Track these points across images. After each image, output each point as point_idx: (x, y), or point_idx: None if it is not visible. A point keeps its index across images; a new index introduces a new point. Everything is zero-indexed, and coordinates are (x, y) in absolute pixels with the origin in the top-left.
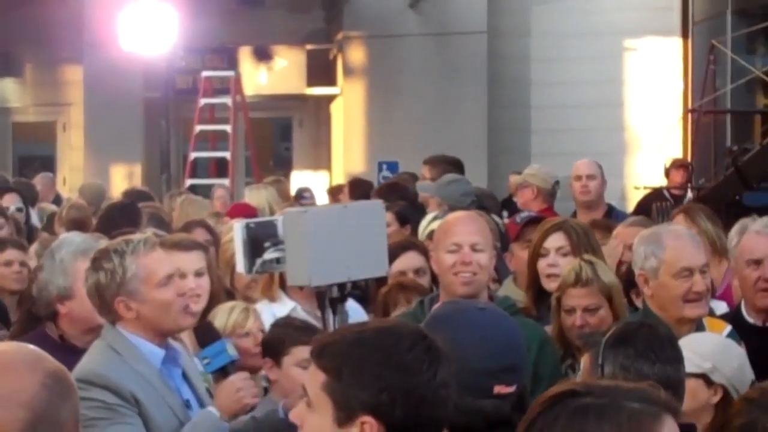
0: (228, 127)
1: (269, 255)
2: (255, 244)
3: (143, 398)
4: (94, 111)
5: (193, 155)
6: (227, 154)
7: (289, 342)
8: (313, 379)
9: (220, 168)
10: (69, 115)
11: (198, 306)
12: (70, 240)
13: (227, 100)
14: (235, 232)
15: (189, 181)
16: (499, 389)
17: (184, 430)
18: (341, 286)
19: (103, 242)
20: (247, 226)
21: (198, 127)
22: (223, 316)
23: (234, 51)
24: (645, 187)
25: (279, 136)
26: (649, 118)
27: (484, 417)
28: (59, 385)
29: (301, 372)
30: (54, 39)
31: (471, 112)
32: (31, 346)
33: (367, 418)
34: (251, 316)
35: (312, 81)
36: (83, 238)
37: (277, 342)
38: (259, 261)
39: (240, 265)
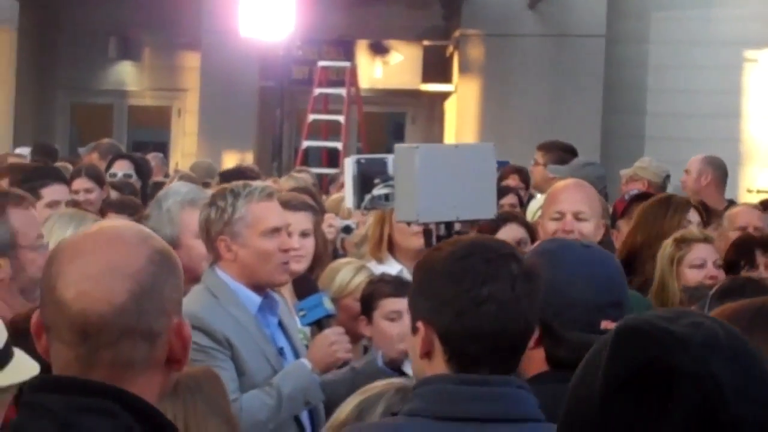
0: (341, 118)
1: (378, 191)
2: (365, 180)
3: (237, 343)
4: (210, 97)
5: (305, 144)
6: (339, 145)
7: (378, 295)
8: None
9: (332, 158)
10: (184, 100)
11: (299, 266)
12: (176, 190)
13: (342, 91)
14: (346, 167)
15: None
16: (605, 324)
17: (276, 378)
18: (448, 225)
19: (212, 190)
20: (358, 162)
21: (311, 117)
22: (332, 274)
23: (351, 44)
24: (758, 191)
25: (391, 130)
26: (766, 130)
27: None
28: (165, 262)
29: (390, 324)
30: (173, 24)
31: (585, 116)
32: (141, 225)
33: (420, 325)
34: (359, 275)
35: (427, 77)
36: (190, 188)
37: (368, 297)
38: (368, 197)
39: (349, 201)
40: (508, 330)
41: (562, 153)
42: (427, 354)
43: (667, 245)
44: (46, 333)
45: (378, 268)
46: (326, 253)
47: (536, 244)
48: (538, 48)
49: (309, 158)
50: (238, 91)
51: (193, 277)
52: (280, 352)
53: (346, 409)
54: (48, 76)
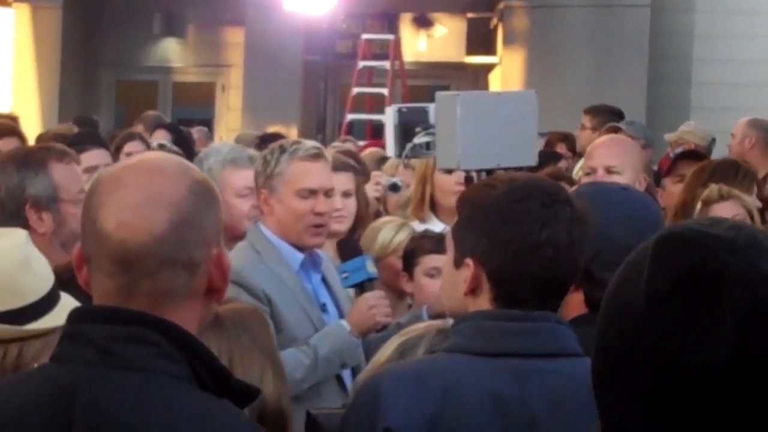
0: (385, 91)
1: (419, 139)
2: (406, 129)
3: (277, 299)
4: (254, 73)
5: (349, 117)
6: (383, 117)
7: (420, 251)
8: (454, 223)
9: (376, 132)
10: (228, 76)
11: (341, 226)
12: (217, 149)
13: (386, 64)
14: (387, 116)
15: None
16: None
17: (314, 338)
18: (489, 173)
19: (252, 150)
20: (400, 111)
21: (355, 90)
22: (373, 233)
23: (394, 17)
24: None
25: None
26: None
27: None
28: (205, 193)
29: (430, 281)
30: (217, 0)
31: (630, 86)
32: (180, 158)
33: (469, 261)
34: (401, 233)
35: (471, 50)
36: (231, 147)
37: (410, 254)
38: (409, 145)
39: (390, 149)
40: (560, 274)
41: (609, 116)
42: (472, 291)
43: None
44: (86, 265)
45: (420, 228)
46: (368, 213)
47: (573, 188)
48: (582, 19)
49: (353, 132)
50: (282, 65)
51: (235, 236)
52: (323, 308)
53: (386, 351)
54: (92, 53)
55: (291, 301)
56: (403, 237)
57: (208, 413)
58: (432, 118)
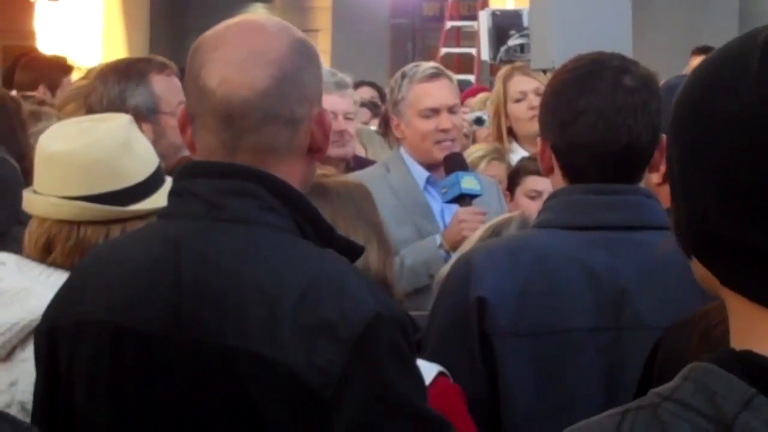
0: (473, 51)
1: (513, 42)
2: (500, 32)
3: (387, 213)
4: (342, 37)
5: None
6: (472, 78)
7: (523, 172)
8: None
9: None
10: (316, 41)
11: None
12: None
13: (474, 24)
14: (481, 20)
15: None
16: None
17: (407, 248)
18: None
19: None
20: (494, 14)
21: (443, 50)
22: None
23: None
24: None
25: None
26: None
27: None
28: (306, 51)
29: (529, 202)
30: None
31: (719, 45)
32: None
33: (539, 140)
34: (488, 156)
35: None
36: (325, 71)
37: (514, 174)
38: (503, 48)
39: (484, 53)
40: (610, 141)
41: None
42: (549, 169)
43: None
44: (191, 125)
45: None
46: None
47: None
48: None
49: None
50: (369, 29)
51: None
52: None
53: (479, 232)
54: (181, 22)
55: (402, 215)
56: (488, 160)
57: (317, 260)
58: (526, 21)
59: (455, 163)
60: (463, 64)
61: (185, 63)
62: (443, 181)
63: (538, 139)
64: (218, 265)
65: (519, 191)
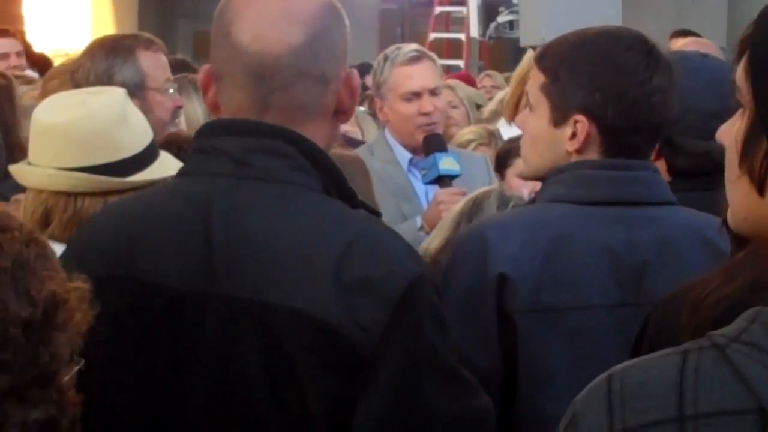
0: (462, 36)
1: (503, 18)
2: (489, 9)
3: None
4: None
5: None
6: (461, 63)
7: (514, 153)
8: (534, 81)
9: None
10: None
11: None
12: None
13: (463, 9)
14: None
15: None
16: None
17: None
18: None
19: None
20: None
21: (432, 35)
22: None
23: None
24: None
25: (511, 47)
26: None
27: (712, 159)
28: (335, 11)
29: (521, 183)
30: None
31: (712, 6)
32: None
33: (580, 117)
34: (479, 135)
35: None
36: None
37: (503, 155)
38: (492, 25)
39: (474, 30)
40: (666, 119)
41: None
42: (578, 151)
43: None
44: (216, 83)
45: (512, 131)
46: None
47: None
48: None
49: None
50: (358, 14)
51: None
52: None
53: (458, 206)
54: (170, 5)
55: (385, 197)
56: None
57: (354, 219)
58: None
59: (434, 144)
60: (453, 49)
61: (174, 48)
62: (420, 163)
63: (578, 116)
64: (252, 223)
65: (510, 172)
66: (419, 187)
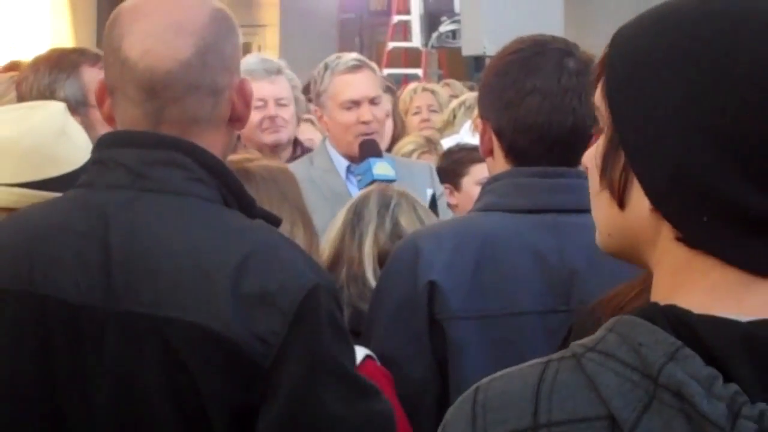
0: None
1: (445, 27)
2: (432, 18)
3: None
4: (290, 32)
5: (385, 72)
6: (419, 71)
7: (468, 161)
8: None
9: None
10: (264, 36)
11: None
12: (245, 60)
13: None
14: (413, 6)
15: None
16: None
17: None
18: None
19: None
20: (425, 0)
21: (390, 45)
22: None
23: None
24: None
25: (473, 59)
26: None
27: None
28: (225, 21)
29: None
30: None
31: None
32: None
33: (479, 121)
34: (419, 144)
35: None
36: (256, 59)
37: (454, 165)
38: (434, 35)
39: (416, 39)
40: (555, 123)
41: None
42: (488, 152)
43: None
44: (110, 96)
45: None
46: (404, 133)
47: None
48: None
49: None
50: (317, 25)
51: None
52: None
53: (340, 214)
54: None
55: (319, 205)
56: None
57: (251, 231)
58: (457, 7)
59: (369, 150)
60: (411, 58)
61: None
62: (356, 169)
63: (478, 121)
64: (149, 236)
65: (467, 181)
66: (356, 192)
